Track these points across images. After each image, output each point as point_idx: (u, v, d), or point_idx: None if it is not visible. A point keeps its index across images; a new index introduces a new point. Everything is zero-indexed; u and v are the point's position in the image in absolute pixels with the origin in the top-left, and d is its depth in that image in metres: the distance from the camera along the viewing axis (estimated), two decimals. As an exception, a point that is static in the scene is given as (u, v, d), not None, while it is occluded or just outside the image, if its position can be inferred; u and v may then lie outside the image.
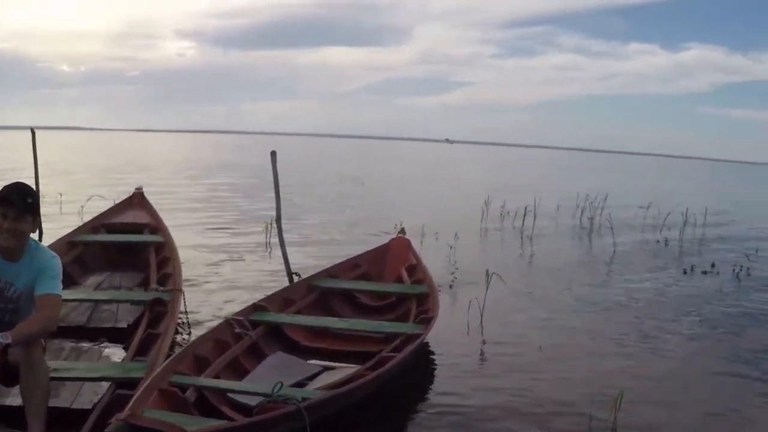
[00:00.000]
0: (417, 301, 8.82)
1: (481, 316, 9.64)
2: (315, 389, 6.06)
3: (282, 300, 8.51)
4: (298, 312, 8.45)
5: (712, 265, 15.24)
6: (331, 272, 9.72)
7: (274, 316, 7.85)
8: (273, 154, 11.42)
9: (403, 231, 10.94)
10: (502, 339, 9.15)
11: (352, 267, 10.09)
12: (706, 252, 17.94)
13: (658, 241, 18.87)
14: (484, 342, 8.99)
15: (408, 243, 10.62)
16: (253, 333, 7.29)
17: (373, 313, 9.16)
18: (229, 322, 7.25)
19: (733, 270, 14.81)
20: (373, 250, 10.66)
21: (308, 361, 7.09)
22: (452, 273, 12.53)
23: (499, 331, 9.42)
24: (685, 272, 14.77)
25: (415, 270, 9.88)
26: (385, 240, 10.91)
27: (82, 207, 17.11)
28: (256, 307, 7.88)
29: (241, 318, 7.41)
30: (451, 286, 11.58)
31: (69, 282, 9.21)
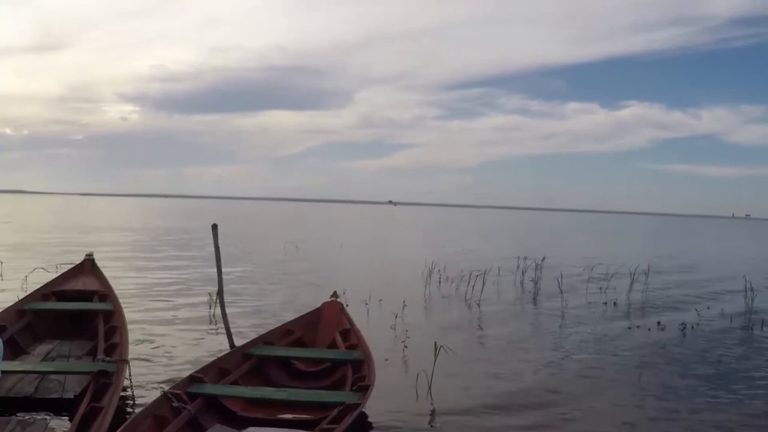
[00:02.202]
0: (353, 367, 8.89)
1: (429, 388, 9.55)
2: None
3: (218, 370, 8.48)
4: (235, 382, 8.45)
5: (658, 323, 15.47)
6: (265, 339, 9.74)
7: (211, 388, 7.82)
8: (214, 227, 11.40)
9: (335, 294, 11.04)
10: (447, 410, 8.99)
11: (286, 333, 10.16)
12: (652, 310, 18.15)
13: (605, 303, 18.94)
14: (429, 417, 8.79)
15: (340, 306, 10.72)
16: (191, 406, 7.24)
17: (309, 379, 9.22)
18: (166, 396, 7.18)
19: (680, 328, 15.07)
20: (305, 315, 10.74)
21: None
22: (402, 341, 12.35)
23: (445, 404, 9.21)
24: (630, 330, 14.92)
25: (349, 334, 9.99)
26: (319, 304, 10.89)
27: (26, 277, 17.02)
28: (192, 379, 7.85)
29: (178, 391, 7.36)
30: (389, 359, 11.13)
31: (18, 351, 9.62)
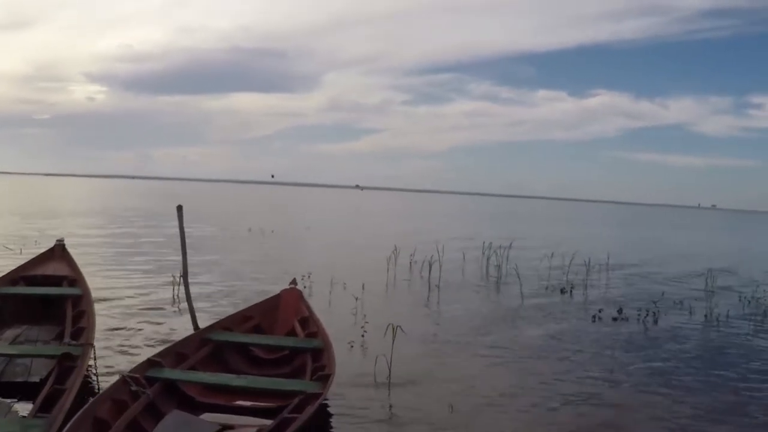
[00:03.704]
0: (312, 356, 8.92)
1: (389, 372, 9.64)
2: None
3: (176, 354, 8.51)
4: (193, 367, 8.47)
5: (620, 311, 15.62)
6: (223, 325, 9.73)
7: (169, 372, 7.86)
8: (179, 209, 11.37)
9: (294, 282, 11.09)
10: (410, 396, 9.13)
11: (244, 319, 10.14)
12: (614, 298, 18.41)
13: (563, 289, 19.27)
14: (390, 401, 8.95)
15: (299, 294, 10.77)
16: (150, 390, 7.28)
17: (267, 366, 9.24)
18: (125, 380, 7.21)
19: (640, 316, 15.30)
20: (264, 301, 10.75)
21: (206, 419, 7.09)
22: (360, 326, 12.31)
23: (407, 389, 9.37)
24: (594, 319, 15.11)
25: (308, 322, 10.01)
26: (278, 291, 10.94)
27: None
28: (151, 363, 7.88)
29: (137, 375, 7.39)
30: (351, 344, 11.35)
31: None
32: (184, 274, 11.48)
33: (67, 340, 8.96)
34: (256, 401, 7.72)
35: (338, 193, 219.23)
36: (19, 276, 11.60)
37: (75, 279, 11.52)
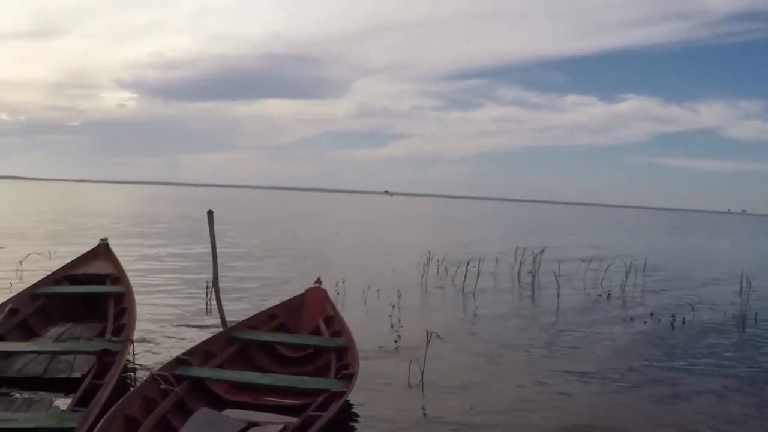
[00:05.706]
0: (336, 354, 9.03)
1: (421, 375, 9.62)
2: None
3: (204, 353, 8.62)
4: (220, 365, 8.60)
5: (651, 314, 15.73)
6: (249, 324, 9.83)
7: (197, 371, 7.97)
8: (210, 213, 11.42)
9: (319, 281, 11.13)
10: (439, 400, 9.03)
11: (270, 318, 10.22)
12: (646, 302, 18.27)
13: (600, 295, 19.08)
14: (418, 404, 8.91)
15: (324, 293, 10.83)
16: (179, 388, 7.40)
17: (292, 364, 9.38)
18: (154, 378, 7.33)
19: (671, 320, 15.25)
20: (289, 300, 10.82)
21: (233, 416, 7.15)
22: (395, 331, 12.44)
23: (437, 392, 9.28)
24: (624, 321, 15.11)
25: (333, 321, 10.12)
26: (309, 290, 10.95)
27: (21, 263, 17.29)
28: (179, 361, 8.02)
29: (166, 373, 7.52)
30: (386, 348, 11.38)
31: (30, 333, 10.00)
32: (215, 278, 11.52)
33: (108, 336, 9.16)
34: (281, 399, 7.84)
35: (369, 199, 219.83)
36: (63, 275, 11.80)
37: (118, 277, 11.72)
